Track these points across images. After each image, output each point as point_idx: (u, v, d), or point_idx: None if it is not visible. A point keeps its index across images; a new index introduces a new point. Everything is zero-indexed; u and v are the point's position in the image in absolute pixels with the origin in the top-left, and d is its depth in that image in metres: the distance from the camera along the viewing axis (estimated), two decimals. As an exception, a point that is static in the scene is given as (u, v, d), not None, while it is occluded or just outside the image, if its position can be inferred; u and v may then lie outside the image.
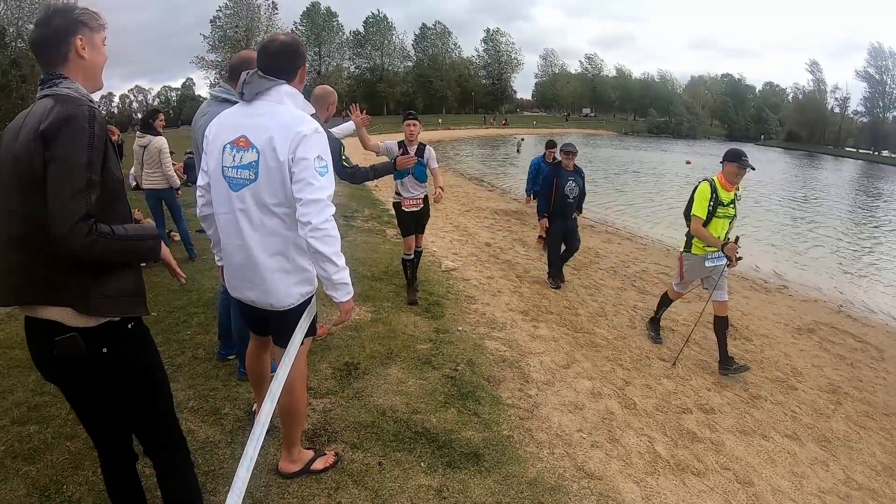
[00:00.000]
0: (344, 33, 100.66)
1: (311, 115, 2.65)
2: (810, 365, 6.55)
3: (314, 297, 2.82)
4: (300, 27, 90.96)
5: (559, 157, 8.25)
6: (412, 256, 6.50)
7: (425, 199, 6.42)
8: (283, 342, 2.78)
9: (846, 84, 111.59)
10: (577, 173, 8.10)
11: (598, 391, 4.78)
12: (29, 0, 56.40)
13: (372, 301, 6.12)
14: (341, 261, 2.54)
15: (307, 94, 3.17)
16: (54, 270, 1.92)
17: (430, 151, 6.30)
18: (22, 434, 3.42)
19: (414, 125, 6.14)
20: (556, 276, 8.16)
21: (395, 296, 6.39)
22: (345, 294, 2.61)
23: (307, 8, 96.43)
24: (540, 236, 10.15)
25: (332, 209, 2.48)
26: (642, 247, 12.41)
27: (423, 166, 6.21)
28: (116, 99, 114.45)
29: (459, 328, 5.60)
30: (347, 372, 4.36)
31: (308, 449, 3.30)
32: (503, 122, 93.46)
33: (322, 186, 2.45)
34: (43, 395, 3.86)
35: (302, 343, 2.65)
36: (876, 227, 21.47)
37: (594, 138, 79.22)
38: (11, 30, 55.35)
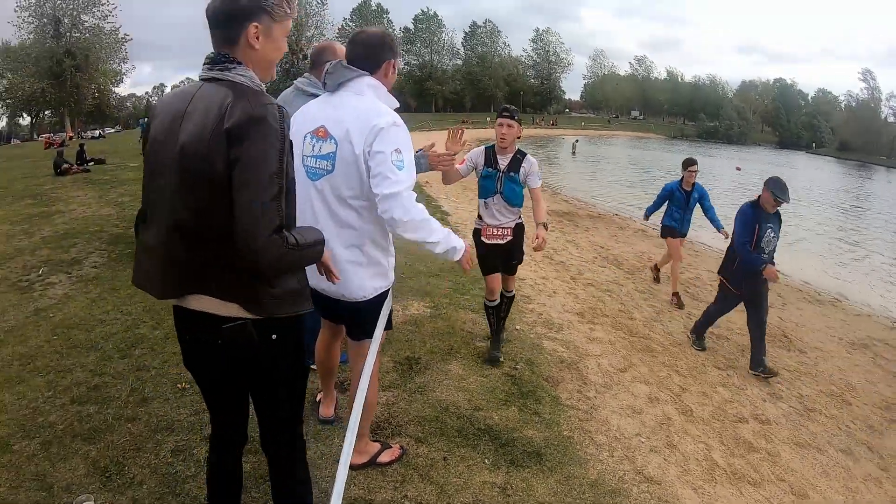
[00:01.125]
0: (394, 30, 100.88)
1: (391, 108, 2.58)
2: (864, 380, 6.37)
3: (390, 292, 2.80)
4: (350, 23, 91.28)
5: (688, 178, 8.27)
6: (496, 302, 4.87)
7: (517, 229, 4.70)
8: (355, 334, 2.81)
9: None
10: (777, 218, 5.92)
11: (656, 396, 4.78)
12: (84, -12, 56.87)
13: (430, 297, 6.18)
14: (435, 236, 2.50)
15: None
16: (221, 268, 1.82)
17: (530, 164, 4.55)
18: (82, 414, 3.52)
19: (510, 125, 4.46)
20: (701, 335, 6.45)
21: (452, 292, 6.44)
22: (456, 255, 2.62)
23: (358, 4, 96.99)
24: (675, 293, 8.00)
25: (413, 197, 2.42)
26: (695, 253, 12.17)
27: (516, 184, 4.54)
28: (168, 89, 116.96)
29: (517, 327, 5.64)
30: (409, 366, 4.44)
31: (374, 441, 3.32)
32: (551, 122, 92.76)
33: (399, 180, 2.36)
34: (102, 375, 4.02)
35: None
36: None
37: (643, 141, 78.07)
38: (66, 20, 56.34)
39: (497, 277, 4.77)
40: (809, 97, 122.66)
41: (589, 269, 9.05)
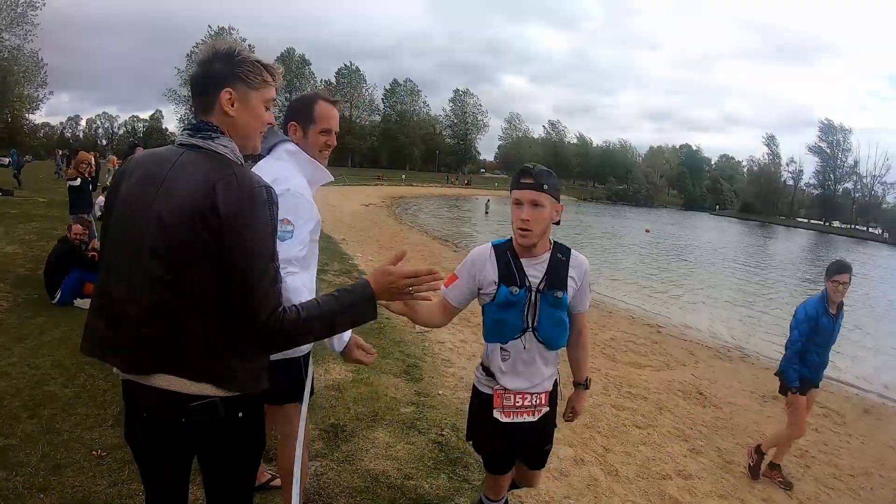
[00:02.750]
0: (315, 82, 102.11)
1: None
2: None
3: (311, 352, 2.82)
4: None
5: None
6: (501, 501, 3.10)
7: (551, 396, 2.89)
8: (280, 398, 2.75)
9: (799, 158, 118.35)
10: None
11: (581, 458, 4.93)
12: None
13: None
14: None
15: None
16: (197, 346, 1.79)
17: (581, 266, 2.80)
18: (-14, 480, 3.28)
19: (535, 202, 2.61)
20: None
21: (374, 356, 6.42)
22: (340, 345, 2.61)
23: (282, 53, 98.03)
24: (777, 465, 5.50)
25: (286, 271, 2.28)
26: (608, 314, 12.74)
27: (561, 309, 2.74)
28: (83, 122, 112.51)
29: (440, 392, 5.70)
30: (335, 434, 4.41)
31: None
32: (465, 181, 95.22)
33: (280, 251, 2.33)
34: (9, 437, 3.78)
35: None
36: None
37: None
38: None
39: (506, 479, 3.01)
40: (713, 161, 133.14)
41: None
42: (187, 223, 1.71)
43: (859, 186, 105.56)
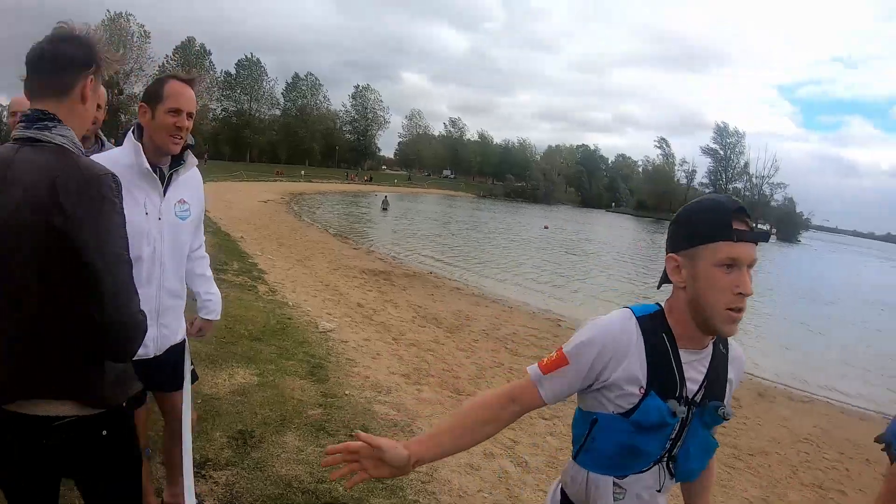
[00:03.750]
0: (216, 73, 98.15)
1: None
2: None
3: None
4: (171, 60, 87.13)
5: None
6: None
7: None
8: (169, 386, 2.71)
9: (692, 159, 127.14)
10: None
11: (490, 451, 4.97)
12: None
13: (255, 363, 5.98)
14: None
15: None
16: (52, 361, 1.67)
17: (738, 355, 1.80)
18: None
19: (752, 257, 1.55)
20: None
21: (277, 357, 6.28)
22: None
23: (182, 42, 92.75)
24: None
25: None
26: (508, 309, 13.05)
27: (711, 429, 1.72)
28: None
29: (346, 392, 5.62)
30: (243, 441, 4.26)
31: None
32: (366, 178, 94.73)
33: None
34: None
35: None
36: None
37: (453, 199, 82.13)
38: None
39: None
40: (610, 161, 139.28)
41: (409, 329, 9.27)
42: (32, 227, 1.59)
43: (749, 186, 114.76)
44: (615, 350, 1.58)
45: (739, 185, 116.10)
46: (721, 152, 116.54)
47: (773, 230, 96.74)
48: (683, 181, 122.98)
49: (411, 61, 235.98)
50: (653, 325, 1.61)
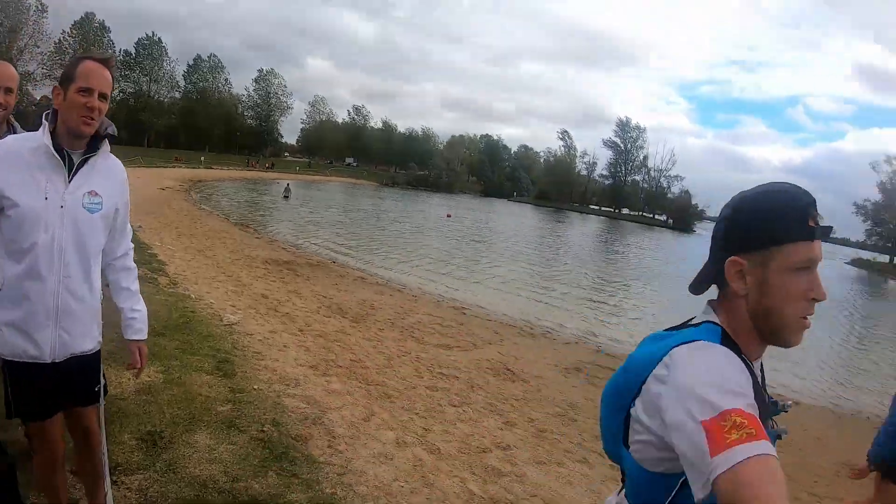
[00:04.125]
0: (115, 52, 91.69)
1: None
2: (583, 398, 7.47)
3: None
4: (69, 37, 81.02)
5: None
6: None
7: None
8: (85, 400, 2.52)
9: (593, 151, 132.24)
10: None
11: (403, 440, 4.97)
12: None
13: (160, 360, 5.66)
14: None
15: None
16: None
17: None
18: None
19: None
20: None
21: (182, 353, 5.97)
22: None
23: (80, 18, 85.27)
24: None
25: None
26: (413, 298, 13.10)
27: None
28: None
29: (255, 386, 5.45)
30: (153, 442, 4.03)
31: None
32: (267, 165, 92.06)
33: None
34: None
35: None
36: (625, 272, 25.41)
37: (356, 187, 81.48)
38: None
39: None
40: (513, 151, 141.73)
41: (315, 319, 9.11)
42: None
43: (647, 179, 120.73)
44: (747, 382, 1.27)
45: (638, 177, 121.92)
46: (622, 145, 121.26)
47: (670, 220, 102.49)
48: (584, 172, 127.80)
49: (317, 46, 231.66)
50: (730, 347, 1.36)
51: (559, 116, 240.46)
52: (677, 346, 1.33)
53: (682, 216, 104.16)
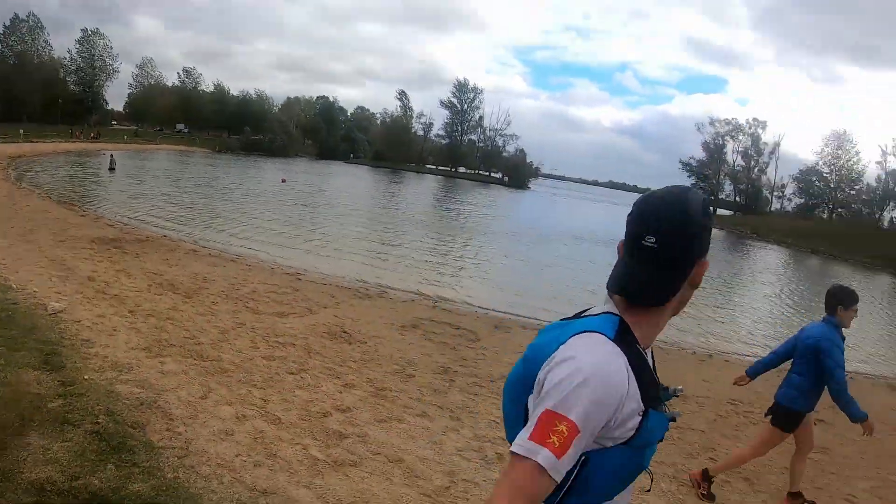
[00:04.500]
0: None
1: None
2: (421, 354, 7.76)
3: None
4: None
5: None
6: None
7: None
8: None
9: (430, 111, 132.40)
10: None
11: (242, 414, 4.93)
12: None
13: (-20, 361, 5.18)
14: None
15: None
16: None
17: None
18: None
19: None
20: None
21: (5, 350, 5.38)
22: None
23: None
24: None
25: None
26: (247, 267, 12.72)
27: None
28: None
29: (86, 377, 5.11)
30: (-18, 452, 3.72)
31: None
32: (92, 135, 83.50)
33: None
34: None
35: None
36: (459, 229, 26.29)
37: (188, 155, 76.88)
38: None
39: None
40: (349, 113, 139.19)
41: (146, 298, 8.61)
42: None
43: (483, 138, 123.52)
44: (619, 396, 1.38)
45: (474, 136, 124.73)
46: (459, 106, 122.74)
47: (506, 178, 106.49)
48: (421, 133, 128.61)
49: (144, 4, 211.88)
50: (625, 340, 1.45)
51: (397, 78, 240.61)
52: (576, 335, 1.43)
53: (517, 174, 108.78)
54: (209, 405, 5.01)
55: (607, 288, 1.51)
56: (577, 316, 1.58)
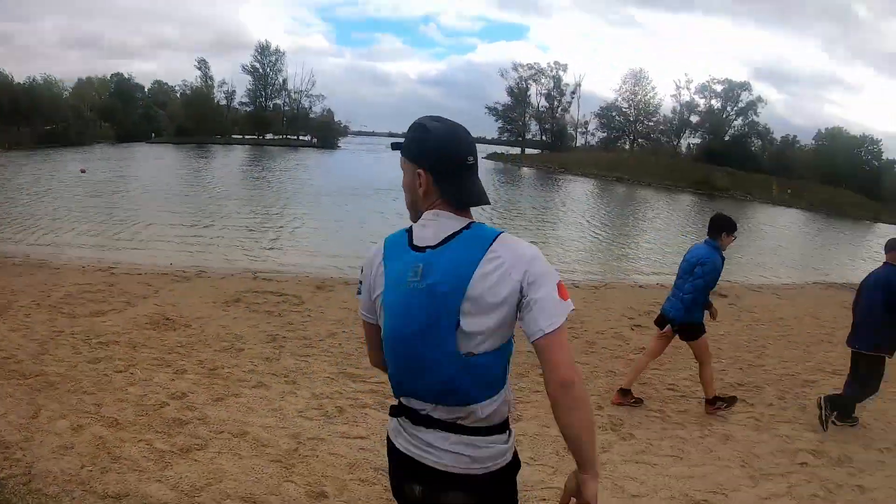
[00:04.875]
0: None
1: None
2: (247, 327, 7.67)
3: None
4: None
5: None
6: None
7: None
8: None
9: (232, 79, 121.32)
10: None
11: (78, 424, 4.65)
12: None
13: None
14: None
15: None
16: None
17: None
18: None
19: None
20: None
21: None
22: None
23: None
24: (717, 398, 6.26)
25: None
26: (56, 271, 11.34)
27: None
28: None
29: None
30: None
31: None
32: None
33: None
34: None
35: None
36: (271, 197, 25.58)
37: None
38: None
39: None
40: (147, 89, 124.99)
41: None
42: None
43: (289, 101, 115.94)
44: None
45: (280, 101, 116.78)
46: (262, 70, 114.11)
47: (315, 140, 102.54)
48: (224, 102, 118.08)
49: None
50: None
51: (194, 46, 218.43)
52: (496, 240, 1.70)
53: (325, 134, 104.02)
54: (43, 423, 4.67)
55: (466, 205, 1.80)
56: (449, 238, 1.74)
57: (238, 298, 9.12)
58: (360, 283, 1.92)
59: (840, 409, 5.92)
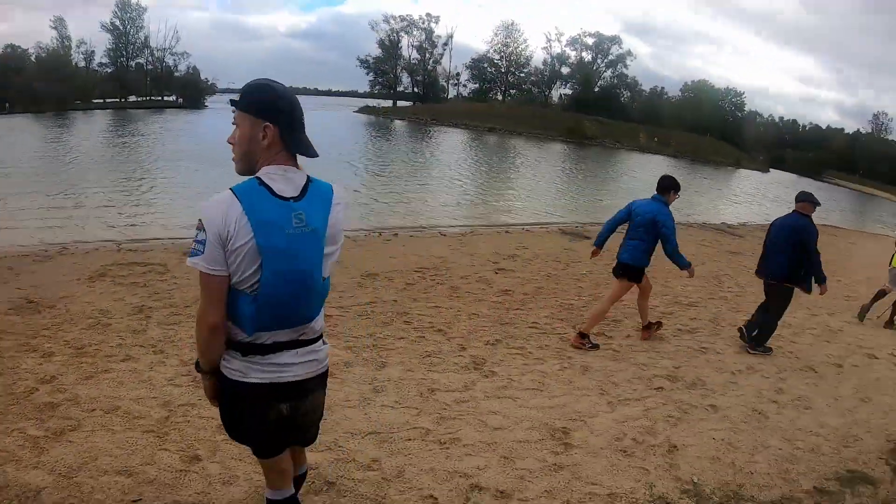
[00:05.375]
0: None
1: None
2: (113, 301, 7.28)
3: None
4: None
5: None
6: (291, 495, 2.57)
7: None
8: None
9: (90, 38, 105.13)
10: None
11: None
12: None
13: None
14: None
15: None
16: None
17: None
18: None
19: None
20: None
21: None
22: None
23: None
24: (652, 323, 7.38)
25: None
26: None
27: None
28: None
29: None
30: None
31: None
32: None
33: None
34: None
35: None
36: (134, 164, 23.95)
37: None
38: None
39: (286, 460, 2.53)
40: None
41: None
42: None
43: (152, 60, 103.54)
44: None
45: (142, 60, 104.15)
46: (122, 27, 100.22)
47: (180, 100, 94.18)
48: (83, 64, 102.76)
49: None
50: None
51: (51, 3, 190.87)
52: (332, 187, 2.29)
53: (192, 94, 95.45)
54: None
55: (303, 154, 2.24)
56: (304, 189, 2.18)
57: (103, 273, 8.55)
58: (202, 241, 2.06)
59: (756, 340, 6.89)
